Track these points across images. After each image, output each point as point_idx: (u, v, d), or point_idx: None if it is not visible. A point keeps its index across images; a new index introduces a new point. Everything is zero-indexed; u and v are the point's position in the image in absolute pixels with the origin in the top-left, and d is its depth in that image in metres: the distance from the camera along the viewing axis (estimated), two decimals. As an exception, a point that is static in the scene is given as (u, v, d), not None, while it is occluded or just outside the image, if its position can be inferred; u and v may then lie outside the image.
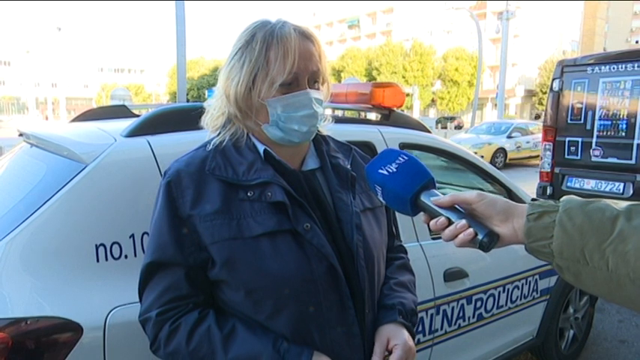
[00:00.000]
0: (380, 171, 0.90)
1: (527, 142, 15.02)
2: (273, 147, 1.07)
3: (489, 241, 0.79)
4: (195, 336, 0.98)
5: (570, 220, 0.72)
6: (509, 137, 14.68)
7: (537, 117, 37.62)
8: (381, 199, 0.92)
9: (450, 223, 0.82)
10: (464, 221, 0.80)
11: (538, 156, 14.95)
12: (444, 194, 0.87)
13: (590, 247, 0.70)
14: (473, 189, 2.96)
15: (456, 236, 0.80)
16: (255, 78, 1.00)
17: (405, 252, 1.34)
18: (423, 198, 0.86)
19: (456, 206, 0.84)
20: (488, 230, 0.80)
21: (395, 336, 1.06)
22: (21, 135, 1.84)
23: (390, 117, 2.24)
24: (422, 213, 0.87)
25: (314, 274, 0.99)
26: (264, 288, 0.98)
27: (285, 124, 1.02)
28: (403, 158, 0.91)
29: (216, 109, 1.08)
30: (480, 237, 0.79)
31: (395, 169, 0.89)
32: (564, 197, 0.77)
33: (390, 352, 1.05)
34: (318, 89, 1.06)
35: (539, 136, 15.27)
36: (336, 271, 1.01)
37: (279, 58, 0.99)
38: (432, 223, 0.84)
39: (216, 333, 0.97)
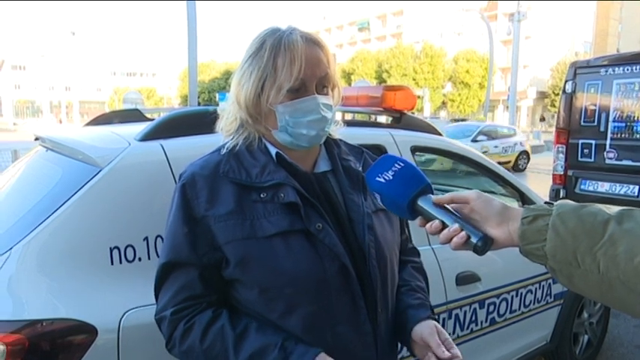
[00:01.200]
0: (377, 179, 0.93)
1: (495, 147, 13.56)
2: (284, 150, 1.09)
3: (483, 245, 0.82)
4: (209, 334, 1.00)
5: (563, 223, 0.74)
6: (473, 141, 13.07)
7: (542, 119, 36.93)
8: (380, 204, 0.96)
9: (444, 226, 0.85)
10: (456, 225, 0.83)
11: (509, 162, 13.79)
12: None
13: (582, 250, 0.72)
14: (485, 192, 2.95)
15: (451, 239, 0.83)
16: (264, 84, 1.03)
17: (419, 255, 1.35)
18: (420, 203, 0.88)
19: (452, 210, 0.87)
20: (482, 235, 0.82)
21: (442, 331, 1.07)
22: (37, 139, 1.87)
23: (401, 120, 2.24)
24: (419, 217, 0.90)
25: (326, 273, 1.01)
26: (277, 287, 1.00)
27: (293, 129, 1.05)
28: (399, 165, 0.93)
29: (230, 114, 1.11)
30: (474, 241, 0.82)
31: (391, 177, 0.91)
32: (558, 202, 0.79)
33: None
34: (327, 94, 1.08)
35: (512, 140, 14.10)
36: (348, 270, 1.03)
37: (286, 65, 1.01)
38: (427, 226, 0.87)
39: (230, 332, 0.99)
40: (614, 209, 0.74)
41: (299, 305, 1.00)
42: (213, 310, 1.03)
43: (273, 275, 0.99)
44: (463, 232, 0.82)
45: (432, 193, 0.90)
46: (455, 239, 0.82)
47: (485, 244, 0.81)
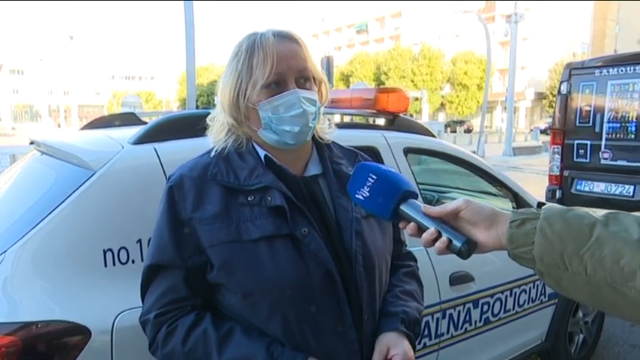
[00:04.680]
0: (357, 196, 0.92)
1: None
2: (274, 152, 1.09)
3: (467, 249, 0.81)
4: (191, 338, 1.00)
5: (550, 226, 0.74)
6: None
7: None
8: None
9: (422, 229, 0.84)
10: (432, 229, 0.83)
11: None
12: (427, 199, 0.89)
13: (569, 253, 0.72)
14: (479, 193, 2.96)
15: (432, 243, 0.83)
16: (241, 84, 1.04)
17: (414, 260, 1.32)
18: (403, 208, 0.88)
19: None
20: (466, 238, 0.82)
21: (395, 345, 1.05)
22: (32, 143, 1.88)
23: (394, 122, 2.25)
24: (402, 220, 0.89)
25: (311, 278, 1.00)
26: (260, 291, 1.00)
27: (277, 125, 1.05)
28: (372, 179, 0.91)
29: (218, 121, 1.11)
30: (457, 244, 0.81)
31: (368, 193, 0.91)
32: (546, 205, 0.80)
33: None
34: (309, 89, 1.07)
35: None
36: (333, 276, 1.01)
37: (260, 63, 1.02)
38: (406, 228, 0.87)
39: (213, 334, 0.99)
40: (600, 212, 0.75)
41: (282, 311, 1.00)
42: (196, 313, 1.03)
43: (256, 280, 0.99)
44: (444, 237, 0.82)
45: (416, 196, 0.90)
46: (437, 244, 0.82)
47: (468, 248, 0.81)
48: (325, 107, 1.15)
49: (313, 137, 1.16)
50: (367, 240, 1.08)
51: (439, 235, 0.83)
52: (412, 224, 0.86)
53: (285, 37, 1.06)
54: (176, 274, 1.03)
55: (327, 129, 1.19)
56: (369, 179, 0.91)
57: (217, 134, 1.11)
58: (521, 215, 0.78)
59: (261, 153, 1.09)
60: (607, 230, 0.71)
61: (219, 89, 1.10)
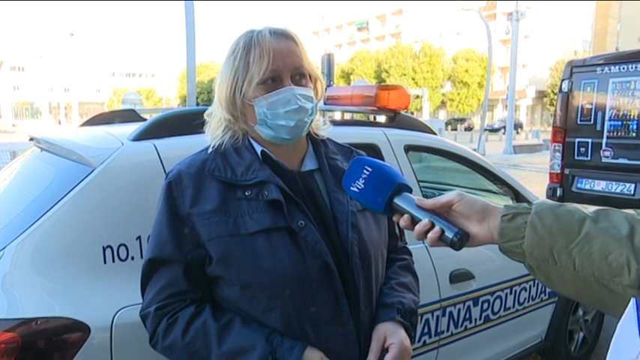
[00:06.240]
0: (352, 188, 0.93)
1: None
2: (270, 148, 1.11)
3: (459, 239, 0.82)
4: (191, 330, 1.01)
5: (541, 221, 0.75)
6: None
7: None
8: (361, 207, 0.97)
9: (415, 221, 0.85)
10: (426, 220, 0.84)
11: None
12: (428, 197, 0.90)
13: (558, 248, 0.73)
14: (480, 190, 2.97)
15: (425, 235, 0.84)
16: (238, 81, 1.06)
17: (410, 254, 1.35)
18: (397, 201, 0.89)
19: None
20: (458, 229, 0.83)
21: (392, 334, 1.08)
22: (32, 139, 1.88)
23: (395, 119, 2.25)
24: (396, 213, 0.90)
25: (308, 270, 1.02)
26: (258, 283, 1.01)
27: (272, 121, 1.07)
28: (368, 171, 0.92)
29: (216, 117, 1.13)
30: (449, 236, 0.82)
31: (363, 185, 0.92)
32: (537, 201, 0.80)
33: (387, 351, 1.06)
34: (305, 86, 1.09)
35: None
36: (330, 268, 1.03)
37: (256, 60, 1.04)
38: (400, 221, 0.88)
39: (212, 326, 1.01)
40: (591, 209, 0.76)
41: (281, 302, 1.01)
42: (196, 305, 1.04)
43: (254, 272, 1.01)
44: (436, 227, 0.83)
45: (410, 190, 0.91)
46: (429, 234, 0.83)
47: (461, 240, 0.82)
48: (326, 104, 1.16)
49: (309, 133, 1.18)
50: (363, 232, 1.10)
51: (432, 227, 0.84)
52: (406, 216, 0.87)
53: (281, 35, 1.07)
54: (176, 268, 1.04)
55: (322, 125, 1.21)
56: (364, 172, 0.92)
57: (215, 130, 1.13)
58: (512, 210, 0.79)
59: (258, 148, 1.11)
60: (596, 226, 0.72)
61: (216, 85, 1.11)
